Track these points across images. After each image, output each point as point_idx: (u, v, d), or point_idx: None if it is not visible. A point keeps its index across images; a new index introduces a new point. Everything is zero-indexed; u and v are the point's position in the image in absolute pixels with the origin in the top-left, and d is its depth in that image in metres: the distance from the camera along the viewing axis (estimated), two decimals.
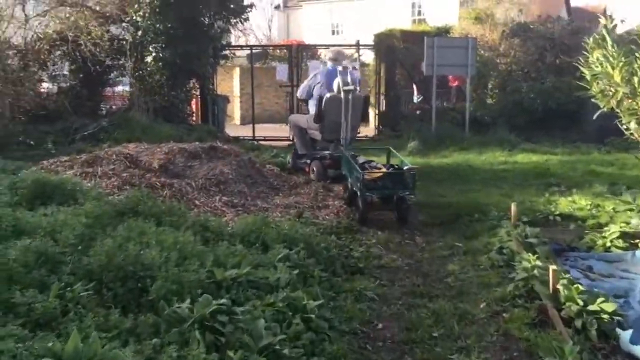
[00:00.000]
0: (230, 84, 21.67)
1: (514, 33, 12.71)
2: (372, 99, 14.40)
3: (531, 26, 12.89)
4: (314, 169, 7.78)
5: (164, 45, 10.65)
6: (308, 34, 30.70)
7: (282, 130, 13.55)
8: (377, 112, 13.24)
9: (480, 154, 9.88)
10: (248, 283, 3.61)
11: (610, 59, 4.67)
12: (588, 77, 5.46)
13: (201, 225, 4.65)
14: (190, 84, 12.08)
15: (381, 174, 6.23)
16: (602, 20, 5.03)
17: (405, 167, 6.32)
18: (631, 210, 5.98)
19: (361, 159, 6.84)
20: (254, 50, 23.04)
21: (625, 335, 3.26)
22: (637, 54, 4.55)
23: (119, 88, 13.18)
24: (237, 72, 20.96)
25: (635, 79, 4.43)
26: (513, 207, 5.29)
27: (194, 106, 13.14)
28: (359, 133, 8.88)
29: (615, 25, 5.02)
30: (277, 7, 36.52)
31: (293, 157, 8.54)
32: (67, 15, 10.85)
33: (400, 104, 13.54)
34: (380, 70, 12.91)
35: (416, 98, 14.79)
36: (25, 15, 10.80)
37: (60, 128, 9.81)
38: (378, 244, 5.43)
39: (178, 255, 3.72)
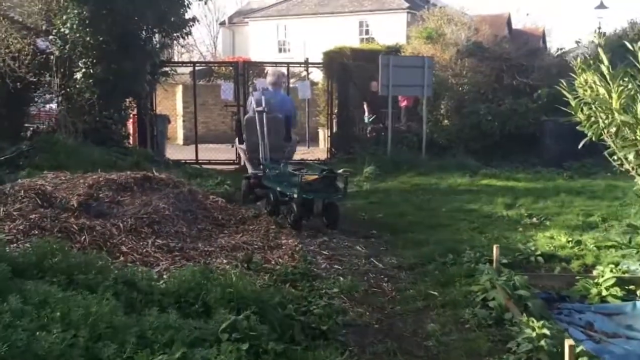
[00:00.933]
0: (172, 102, 20.61)
1: (469, 52, 12.32)
2: (322, 120, 13.75)
3: (486, 46, 12.54)
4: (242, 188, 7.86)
5: (95, 61, 9.61)
6: (254, 51, 29.93)
7: (228, 152, 12.65)
8: (328, 133, 12.53)
9: (440, 179, 9.32)
10: None
11: (607, 82, 4.08)
12: (572, 102, 4.89)
13: (126, 283, 3.72)
14: (126, 103, 11.03)
15: (316, 176, 6.45)
16: (593, 38, 4.46)
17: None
18: (615, 247, 5.45)
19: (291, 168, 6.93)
20: (197, 68, 22.19)
21: None
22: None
23: (53, 106, 11.93)
24: (179, 90, 19.96)
25: (638, 106, 3.85)
26: (495, 250, 4.62)
27: (130, 127, 12.09)
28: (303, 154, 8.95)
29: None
30: (222, 24, 35.66)
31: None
32: None
33: (353, 124, 12.89)
34: (331, 90, 12.22)
35: (367, 118, 14.20)
36: None
37: None
38: (341, 293, 4.64)
39: (89, 334, 2.81)
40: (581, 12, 49.33)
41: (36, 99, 11.06)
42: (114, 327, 2.98)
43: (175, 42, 11.43)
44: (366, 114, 14.25)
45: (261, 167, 7.48)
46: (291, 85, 14.50)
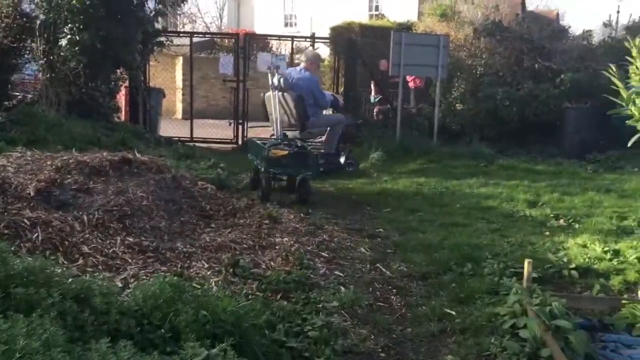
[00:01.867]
0: (172, 74, 19.80)
1: (488, 32, 11.43)
2: None
3: (506, 25, 11.64)
4: None
5: (81, 27, 8.78)
6: (260, 25, 29.01)
7: (226, 129, 11.87)
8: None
9: (454, 169, 8.55)
10: None
11: None
12: (623, 93, 4.11)
13: (77, 299, 3.00)
14: (117, 74, 10.24)
15: (286, 152, 6.50)
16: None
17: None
18: None
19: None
20: (199, 39, 21.28)
21: None
22: None
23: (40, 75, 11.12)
24: (180, 61, 19.15)
25: None
26: (527, 265, 3.88)
27: (123, 101, 11.31)
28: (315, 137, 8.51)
29: None
30: None
31: None
32: None
33: (360, 105, 12.07)
34: (337, 67, 11.37)
35: (373, 98, 13.37)
36: None
37: None
38: (341, 308, 3.93)
39: None
40: None
41: (20, 67, 10.23)
42: None
43: (171, 9, 10.54)
44: (372, 93, 13.44)
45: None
46: (296, 61, 13.68)
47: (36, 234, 3.68)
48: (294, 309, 3.75)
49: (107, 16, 8.85)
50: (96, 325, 2.89)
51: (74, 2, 8.62)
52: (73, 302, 2.94)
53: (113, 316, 2.95)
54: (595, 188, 7.31)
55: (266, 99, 8.00)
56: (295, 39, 11.93)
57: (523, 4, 27.29)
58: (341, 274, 4.53)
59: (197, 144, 11.02)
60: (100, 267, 3.68)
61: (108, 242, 4.03)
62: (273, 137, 7.74)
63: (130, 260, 3.89)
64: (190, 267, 4.05)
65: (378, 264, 4.75)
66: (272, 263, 4.49)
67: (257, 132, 15.76)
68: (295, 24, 29.91)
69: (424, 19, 16.76)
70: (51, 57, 9.02)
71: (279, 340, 3.26)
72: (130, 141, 8.39)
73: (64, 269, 3.38)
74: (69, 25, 8.90)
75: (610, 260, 4.68)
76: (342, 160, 8.67)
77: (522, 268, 4.32)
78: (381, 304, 4.09)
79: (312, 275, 4.37)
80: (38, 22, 9.10)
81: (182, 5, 9.92)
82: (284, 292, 4.01)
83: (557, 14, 30.68)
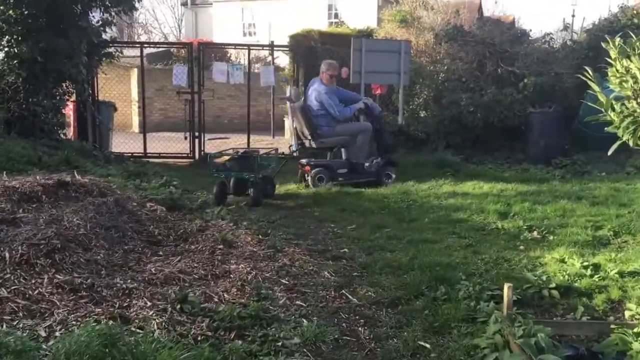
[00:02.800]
0: (127, 87, 19.11)
1: (449, 37, 11.21)
2: (283, 109, 12.51)
3: (468, 30, 11.45)
4: None
5: (19, 38, 8.17)
6: (219, 35, 28.49)
7: (184, 143, 11.32)
8: (294, 124, 11.26)
9: (419, 180, 8.21)
10: None
11: None
12: (601, 97, 3.80)
13: None
14: (63, 88, 9.59)
15: (228, 157, 7.09)
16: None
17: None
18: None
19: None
20: (155, 49, 20.63)
21: None
22: None
23: None
24: (135, 73, 18.50)
25: None
26: (507, 290, 3.51)
27: (72, 116, 10.65)
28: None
29: None
30: (184, 4, 33.86)
31: None
32: None
33: None
34: (297, 76, 10.97)
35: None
36: None
37: None
38: (304, 345, 3.49)
39: None
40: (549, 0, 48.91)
41: None
42: None
43: (121, 19, 9.97)
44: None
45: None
46: (256, 70, 13.26)
47: None
48: (249, 350, 3.30)
49: (47, 27, 8.28)
50: None
51: (10, 12, 8.01)
52: None
53: None
54: (566, 196, 7.07)
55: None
56: (251, 47, 11.47)
57: (480, 10, 27.61)
58: (303, 304, 4.09)
59: (151, 160, 10.46)
60: (20, 314, 3.16)
61: (33, 282, 3.50)
62: (291, 147, 8.72)
63: (58, 303, 3.37)
64: (130, 306, 3.56)
65: (344, 290, 4.33)
66: (225, 295, 4.02)
67: (217, 144, 15.36)
68: (255, 33, 29.53)
69: (384, 25, 16.56)
70: None
71: None
72: (75, 160, 7.81)
73: None
74: (6, 37, 8.28)
75: (591, 276, 4.37)
76: (373, 170, 8.41)
77: (500, 289, 3.98)
78: (348, 337, 3.66)
79: (271, 307, 3.91)
80: None
81: (129, 14, 9.34)
82: (238, 330, 3.55)
83: (514, 19, 31.09)
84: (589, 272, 4.43)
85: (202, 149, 10.77)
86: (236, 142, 13.07)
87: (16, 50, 8.18)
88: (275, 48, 11.95)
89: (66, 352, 2.63)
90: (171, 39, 37.01)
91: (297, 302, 4.12)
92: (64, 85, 9.56)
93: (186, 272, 4.27)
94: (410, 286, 4.28)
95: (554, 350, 3.08)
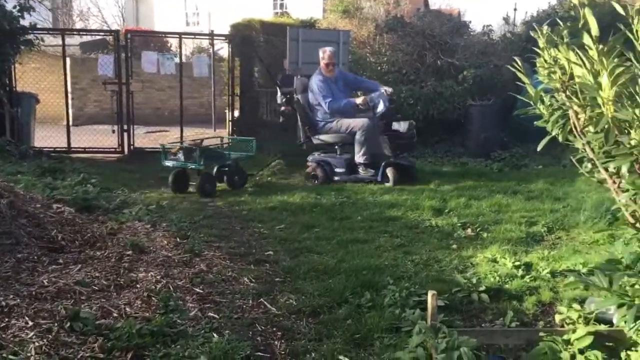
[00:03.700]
0: (60, 77, 18.13)
1: (389, 27, 10.98)
2: (225, 101, 12.05)
3: (408, 21, 11.24)
4: None
5: None
6: (160, 23, 27.55)
7: (112, 137, 10.67)
8: (229, 117, 10.83)
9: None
10: None
11: (594, 61, 2.75)
12: (529, 90, 3.56)
13: None
14: None
15: (177, 147, 7.35)
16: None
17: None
18: (572, 272, 4.29)
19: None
20: (88, 39, 19.67)
21: None
22: None
23: None
24: (67, 63, 17.53)
25: None
26: (431, 299, 3.24)
27: None
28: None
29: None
30: None
31: None
32: None
33: (259, 107, 11.25)
34: (232, 66, 10.51)
35: (279, 99, 12.62)
36: None
37: None
38: None
39: None
40: None
41: None
42: None
43: (46, 3, 9.21)
44: (279, 94, 12.69)
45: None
46: (190, 60, 12.71)
47: None
48: None
49: None
50: None
51: None
52: None
53: None
54: (502, 190, 6.94)
55: None
56: (183, 35, 10.89)
57: (426, 3, 27.69)
58: (216, 316, 3.72)
59: (77, 155, 9.82)
60: None
61: None
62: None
63: None
64: (7, 327, 3.10)
65: (262, 299, 3.98)
66: (127, 308, 3.61)
67: (154, 137, 14.71)
68: (198, 23, 28.73)
69: (327, 16, 16.28)
70: None
71: None
72: None
73: None
74: None
75: (522, 277, 4.18)
76: (370, 170, 7.68)
77: (427, 294, 3.74)
78: (261, 353, 3.32)
79: (178, 321, 3.53)
80: None
81: None
82: (137, 349, 3.16)
83: (459, 12, 31.37)
84: (520, 272, 4.25)
85: (132, 143, 10.17)
86: (175, 135, 12.51)
87: None
88: (211, 37, 11.41)
89: None
90: (114, 27, 35.54)
91: (210, 313, 3.75)
92: None
93: (85, 283, 3.82)
94: (334, 292, 3.98)
95: None
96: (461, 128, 10.25)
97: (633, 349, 2.96)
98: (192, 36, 11.67)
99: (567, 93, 3.23)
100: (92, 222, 5.19)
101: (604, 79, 2.78)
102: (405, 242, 5.10)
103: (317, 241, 5.13)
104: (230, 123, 10.64)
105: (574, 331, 3.18)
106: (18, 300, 3.39)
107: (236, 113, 10.93)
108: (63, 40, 10.23)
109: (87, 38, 19.37)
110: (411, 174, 7.67)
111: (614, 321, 3.28)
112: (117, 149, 10.07)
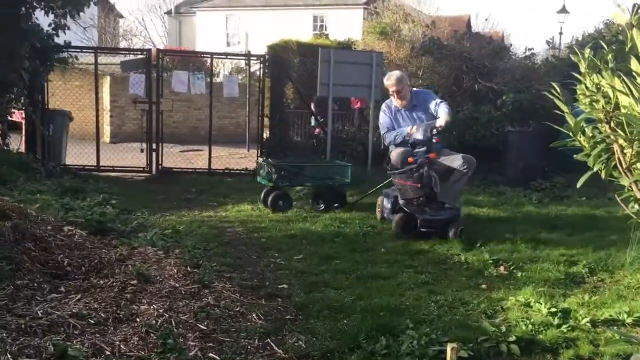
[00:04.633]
0: (99, 95, 18.43)
1: (425, 50, 10.66)
2: (255, 124, 11.89)
3: (445, 43, 10.90)
4: None
5: None
6: (202, 44, 28.01)
7: (141, 157, 10.59)
8: (262, 138, 10.65)
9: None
10: None
11: None
12: (569, 120, 3.19)
13: None
14: (11, 96, 8.89)
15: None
16: (614, 19, 2.75)
17: None
18: (615, 322, 3.85)
19: None
20: (131, 58, 20.00)
21: None
22: None
23: None
24: (107, 81, 17.83)
25: None
26: (450, 351, 2.87)
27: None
28: None
29: None
30: (167, 13, 33.29)
31: None
32: None
33: (289, 130, 11.05)
34: (263, 87, 10.34)
35: (314, 121, 12.41)
36: None
37: None
38: None
39: None
40: (540, 17, 48.81)
41: None
42: None
43: (68, 20, 9.18)
44: (312, 118, 12.48)
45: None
46: (218, 79, 12.66)
47: None
48: None
49: None
50: None
51: None
52: None
53: None
54: (541, 223, 6.47)
55: None
56: (214, 55, 10.83)
57: (469, 26, 27.24)
58: (217, 357, 3.42)
59: (105, 174, 9.78)
60: None
61: None
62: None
63: None
64: None
65: (270, 339, 3.67)
66: (122, 346, 3.35)
67: (189, 156, 14.67)
68: (239, 43, 29.05)
69: (364, 37, 16.08)
70: None
71: None
72: (8, 174, 7.11)
73: None
74: None
75: (559, 326, 3.74)
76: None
77: (451, 341, 3.36)
78: None
79: None
80: None
81: (76, 17, 8.66)
82: None
83: (502, 36, 30.79)
84: (556, 320, 3.81)
85: (160, 162, 10.08)
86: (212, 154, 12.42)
87: None
88: (245, 57, 11.35)
89: None
90: (160, 47, 36.37)
91: (211, 354, 3.46)
92: (13, 93, 8.87)
93: (81, 315, 3.59)
94: (347, 335, 3.63)
95: None
96: (499, 155, 9.79)
97: None
98: (224, 56, 11.64)
99: (612, 125, 2.85)
100: (103, 246, 5.00)
101: None
102: (430, 279, 4.71)
103: (335, 274, 4.80)
104: (258, 145, 10.45)
105: None
106: (4, 334, 3.17)
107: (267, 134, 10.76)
108: (96, 58, 10.28)
109: (130, 57, 19.70)
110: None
111: None
112: (145, 169, 9.99)
